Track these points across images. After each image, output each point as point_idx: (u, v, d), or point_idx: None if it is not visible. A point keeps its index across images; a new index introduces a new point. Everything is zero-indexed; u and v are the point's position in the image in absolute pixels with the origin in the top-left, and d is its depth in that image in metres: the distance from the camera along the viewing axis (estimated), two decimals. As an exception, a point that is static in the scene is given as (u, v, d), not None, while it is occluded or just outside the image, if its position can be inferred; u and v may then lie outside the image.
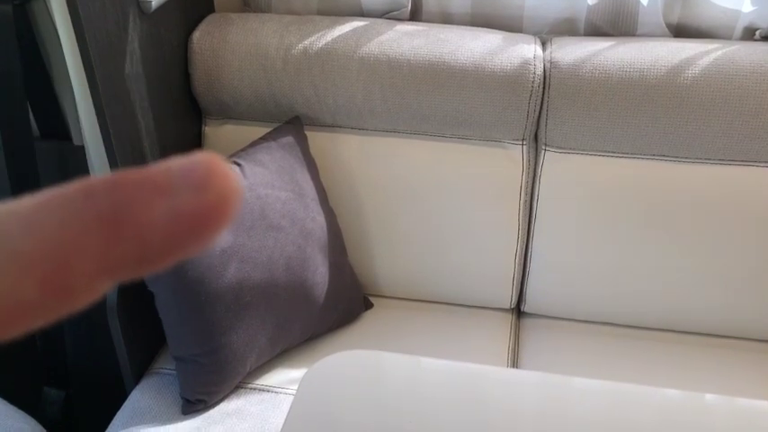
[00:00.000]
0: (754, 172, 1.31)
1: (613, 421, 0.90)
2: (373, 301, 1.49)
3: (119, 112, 1.19)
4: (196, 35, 1.39)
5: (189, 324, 1.20)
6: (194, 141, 1.47)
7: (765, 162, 1.30)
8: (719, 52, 1.27)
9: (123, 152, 1.21)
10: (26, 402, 1.33)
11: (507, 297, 1.46)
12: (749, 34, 1.35)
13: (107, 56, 1.14)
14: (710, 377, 1.33)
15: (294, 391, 1.27)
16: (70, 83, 1.21)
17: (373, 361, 0.91)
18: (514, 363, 1.39)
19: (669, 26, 1.37)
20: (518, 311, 1.52)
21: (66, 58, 1.18)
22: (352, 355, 0.89)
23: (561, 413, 0.91)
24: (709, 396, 0.93)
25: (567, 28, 1.42)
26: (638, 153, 1.33)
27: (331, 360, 0.87)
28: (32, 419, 1.27)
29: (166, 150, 1.35)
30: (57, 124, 1.31)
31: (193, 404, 1.23)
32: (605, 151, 1.34)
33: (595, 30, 1.40)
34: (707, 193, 1.32)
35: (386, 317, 1.47)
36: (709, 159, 1.32)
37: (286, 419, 0.82)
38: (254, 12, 1.49)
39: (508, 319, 1.48)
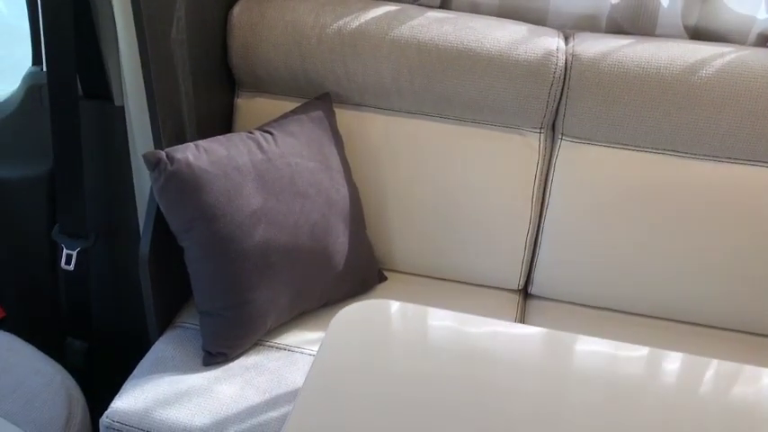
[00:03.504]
0: (759, 172, 1.38)
1: (615, 378, 0.95)
2: (387, 275, 1.56)
3: (162, 74, 1.25)
4: (236, 9, 1.46)
5: (216, 279, 1.27)
6: (226, 111, 1.54)
7: (770, 162, 1.37)
8: (733, 55, 1.34)
9: (164, 112, 1.28)
10: (51, 351, 1.39)
11: (515, 278, 1.53)
12: (762, 40, 1.42)
13: (156, 18, 1.20)
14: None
15: (309, 351, 1.33)
16: (117, 44, 1.28)
17: (394, 310, 0.97)
18: (519, 340, 1.45)
19: (687, 28, 1.44)
20: (525, 293, 1.59)
21: (116, 17, 1.24)
22: (375, 304, 0.96)
23: (565, 368, 0.96)
24: (716, 361, 0.98)
25: (590, 24, 1.49)
26: (650, 147, 1.40)
27: (359, 306, 0.94)
28: (57, 363, 1.33)
29: (202, 116, 1.42)
30: (100, 84, 1.38)
31: (214, 356, 1.29)
32: (619, 143, 1.41)
33: (616, 27, 1.47)
34: (713, 189, 1.38)
35: (398, 290, 1.53)
36: (717, 157, 1.39)
37: (316, 357, 0.88)
38: (291, -9, 1.56)
39: (515, 299, 1.55)
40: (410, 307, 0.98)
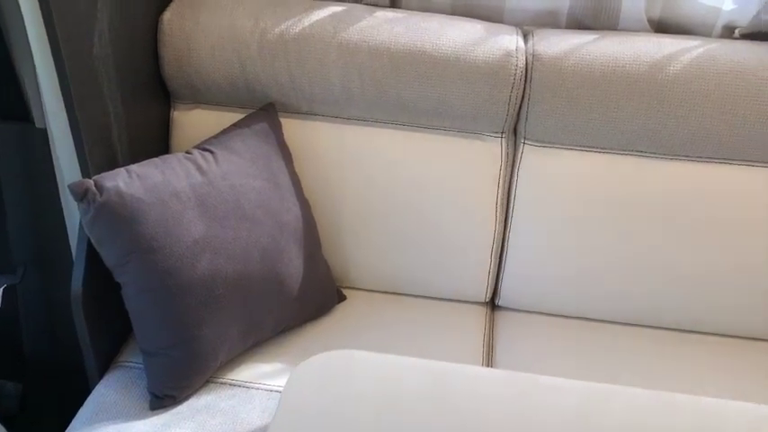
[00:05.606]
0: (732, 170, 1.32)
1: (585, 422, 0.89)
2: (346, 294, 1.47)
3: (86, 94, 1.13)
4: (167, 15, 1.33)
5: (158, 317, 1.16)
6: (162, 127, 1.42)
7: (742, 160, 1.31)
8: (701, 49, 1.27)
9: (90, 136, 1.16)
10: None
11: (482, 291, 1.45)
12: (728, 32, 1.36)
13: (74, 34, 1.08)
14: (683, 373, 1.34)
15: (266, 386, 1.23)
16: (33, 62, 1.15)
17: (356, 362, 0.88)
18: (489, 356, 1.38)
19: (651, 21, 1.37)
20: (492, 305, 1.51)
21: (29, 35, 1.11)
22: (336, 355, 0.87)
23: (534, 413, 0.89)
24: (678, 396, 0.93)
25: (549, 20, 1.40)
26: (617, 148, 1.33)
27: (314, 361, 0.84)
28: (-13, 414, 1.21)
29: (134, 135, 1.29)
30: (17, 105, 1.24)
31: (162, 399, 1.18)
32: (584, 146, 1.34)
33: (577, 23, 1.39)
34: (684, 190, 1.32)
35: (359, 310, 1.44)
36: (688, 156, 1.32)
37: (273, 421, 0.79)
38: (227, -7, 1.44)
39: (483, 312, 1.47)
40: (372, 357, 0.89)
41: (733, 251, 1.34)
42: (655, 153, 1.33)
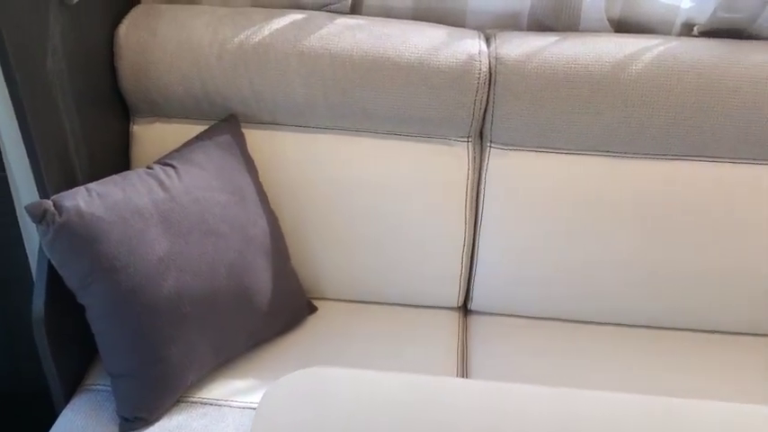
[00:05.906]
0: (695, 166, 1.33)
1: (565, 429, 0.89)
2: (317, 305, 1.45)
3: (40, 110, 1.10)
4: (122, 28, 1.30)
5: (124, 338, 1.13)
6: (123, 141, 1.38)
7: (707, 156, 1.32)
8: (661, 48, 1.28)
9: (46, 153, 1.12)
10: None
11: (454, 296, 1.44)
12: (687, 30, 1.37)
13: (26, 50, 1.05)
14: (659, 371, 1.34)
15: (239, 403, 1.21)
16: (-17, 80, 1.12)
17: (330, 378, 0.86)
18: (464, 362, 1.37)
19: (611, 21, 1.37)
20: (465, 310, 1.50)
21: (-23, 53, 1.08)
22: (309, 373, 0.85)
23: (511, 423, 0.89)
24: (657, 399, 0.93)
25: (510, 22, 1.40)
26: (583, 149, 1.33)
27: (287, 380, 0.82)
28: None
29: (93, 151, 1.26)
30: (-32, 125, 1.20)
31: (132, 422, 1.15)
32: (551, 148, 1.34)
33: (538, 24, 1.39)
34: (650, 188, 1.33)
35: (330, 321, 1.42)
36: (653, 155, 1.33)
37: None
38: (185, 3, 1.41)
39: (455, 317, 1.46)
40: (346, 373, 0.87)
41: (704, 248, 1.35)
42: (621, 153, 1.33)
